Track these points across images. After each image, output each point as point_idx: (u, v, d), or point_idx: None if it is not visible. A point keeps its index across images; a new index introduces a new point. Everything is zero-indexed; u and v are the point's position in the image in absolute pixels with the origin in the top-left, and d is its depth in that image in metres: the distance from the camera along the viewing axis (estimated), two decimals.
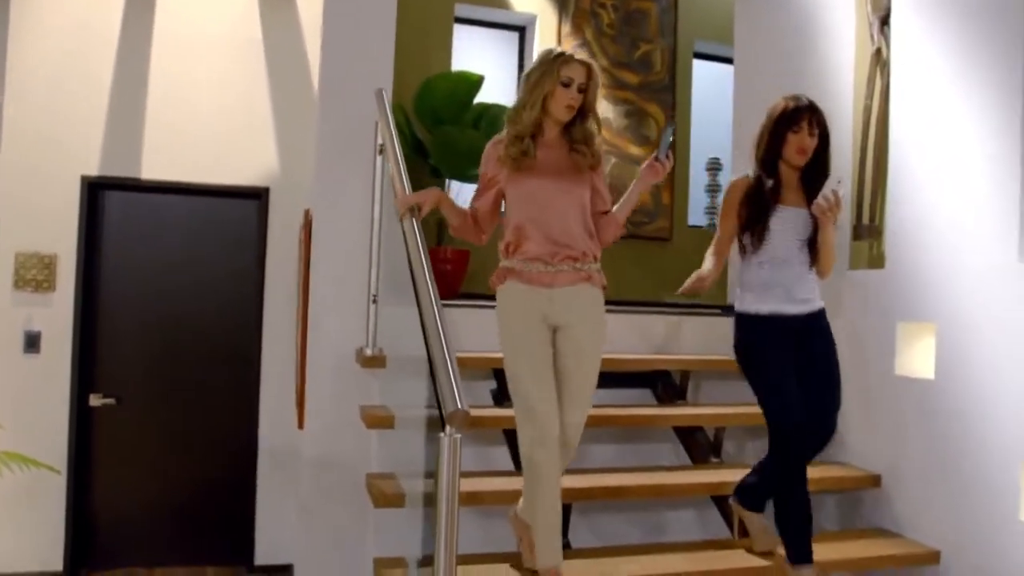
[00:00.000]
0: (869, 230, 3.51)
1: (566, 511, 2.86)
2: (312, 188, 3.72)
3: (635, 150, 5.68)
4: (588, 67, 2.55)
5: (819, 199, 2.69)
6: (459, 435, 1.80)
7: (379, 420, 3.09)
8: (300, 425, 3.76)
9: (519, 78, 6.29)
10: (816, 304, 2.82)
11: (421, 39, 5.15)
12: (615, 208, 2.64)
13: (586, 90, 2.54)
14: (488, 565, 2.69)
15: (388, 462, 3.29)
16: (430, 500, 2.33)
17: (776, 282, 2.78)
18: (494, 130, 4.62)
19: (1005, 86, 2.85)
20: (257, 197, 4.72)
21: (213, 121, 4.67)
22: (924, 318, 3.12)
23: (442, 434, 1.79)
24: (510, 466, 3.21)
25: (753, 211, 2.78)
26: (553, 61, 2.52)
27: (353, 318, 3.45)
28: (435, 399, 1.88)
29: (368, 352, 3.30)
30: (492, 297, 2.63)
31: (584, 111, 2.57)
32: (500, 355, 2.57)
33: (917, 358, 3.21)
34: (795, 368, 2.74)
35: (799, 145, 2.74)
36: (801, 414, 2.69)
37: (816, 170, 2.80)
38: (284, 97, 4.79)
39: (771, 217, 2.75)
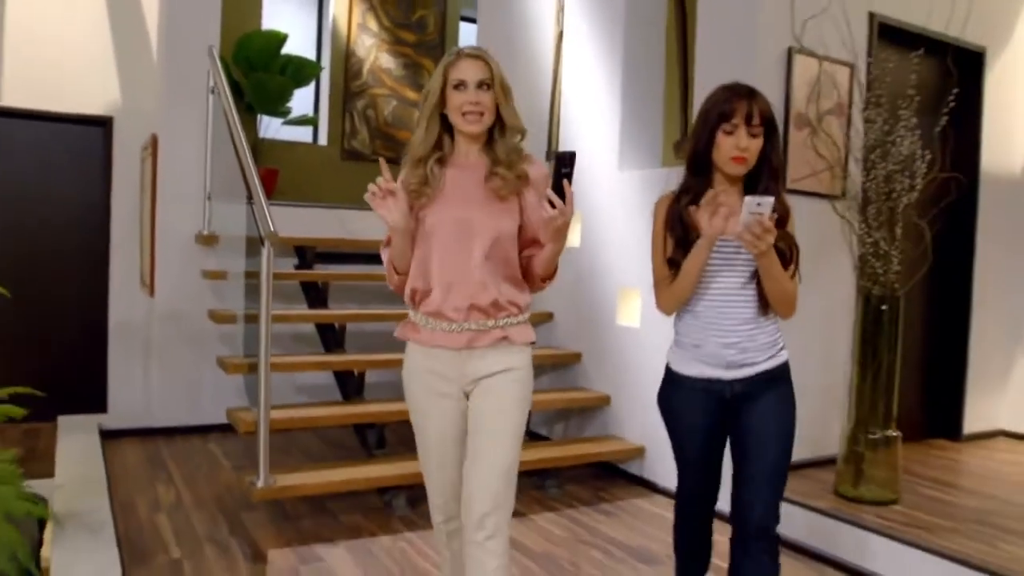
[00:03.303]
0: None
1: None
2: (157, 117, 5.00)
3: (411, 95, 7.21)
4: (483, 60, 2.06)
5: (740, 229, 1.94)
6: (272, 249, 3.30)
7: (215, 275, 4.54)
8: (152, 293, 5.07)
9: (318, 35, 7.66)
10: (762, 365, 2.12)
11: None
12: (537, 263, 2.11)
13: (490, 88, 2.05)
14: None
15: (222, 304, 4.74)
16: (251, 319, 3.81)
17: (708, 336, 2.12)
18: (298, 76, 6.08)
19: (614, 50, 4.59)
20: (103, 124, 5.86)
21: (63, 59, 5.73)
22: (633, 285, 4.39)
23: (263, 248, 3.29)
24: None
25: (676, 240, 2.11)
26: (440, 65, 2.10)
27: (193, 210, 4.83)
28: (256, 228, 3.38)
29: (204, 232, 4.71)
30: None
31: (502, 120, 2.08)
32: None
33: (629, 312, 4.45)
34: (731, 442, 2.21)
35: (734, 149, 2.04)
36: (702, 508, 2.28)
37: (765, 178, 2.09)
38: (124, 41, 5.91)
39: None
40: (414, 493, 3.64)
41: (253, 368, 3.62)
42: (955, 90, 3.71)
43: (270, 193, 5.78)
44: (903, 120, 3.40)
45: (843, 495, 3.53)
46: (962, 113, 4.48)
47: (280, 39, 5.90)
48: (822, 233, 3.71)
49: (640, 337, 4.33)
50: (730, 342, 2.11)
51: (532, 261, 2.12)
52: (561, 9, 5.12)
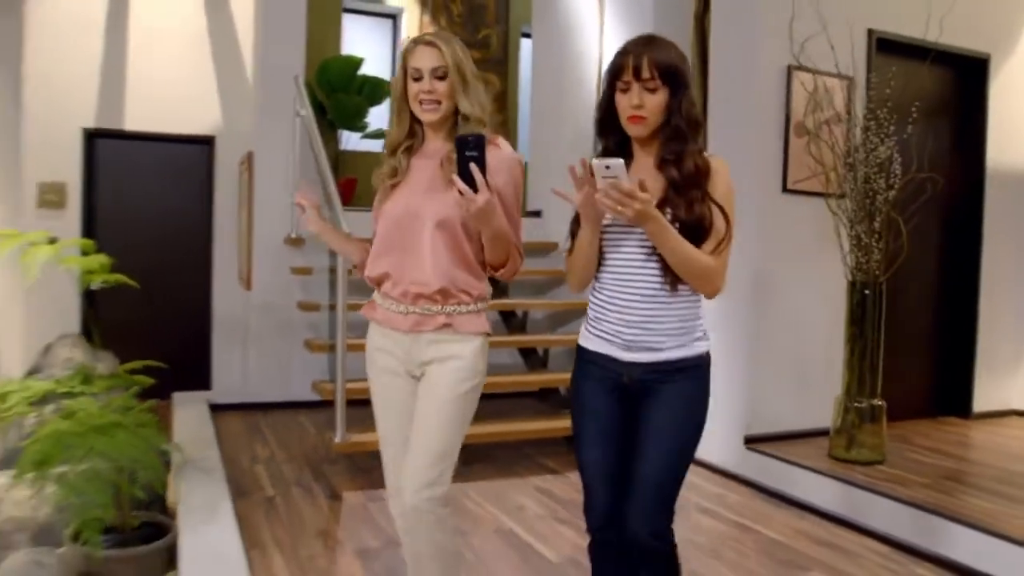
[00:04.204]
0: None
1: None
2: (253, 136, 5.81)
3: None
4: (437, 48, 2.02)
5: (598, 194, 1.75)
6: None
7: (302, 271, 5.30)
8: (248, 288, 5.88)
9: (392, 56, 8.48)
10: (667, 353, 1.91)
11: (320, 26, 7.20)
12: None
13: (446, 76, 2.01)
14: None
15: (308, 296, 5.51)
16: (332, 308, 4.53)
17: (608, 311, 1.96)
18: (372, 96, 6.84)
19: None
20: (206, 143, 6.73)
21: (173, 88, 6.62)
22: None
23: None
24: None
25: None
26: (401, 55, 2.10)
27: (283, 216, 5.61)
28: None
29: (292, 235, 5.48)
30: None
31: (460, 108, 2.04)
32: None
33: None
34: (629, 436, 1.96)
35: (628, 108, 1.87)
36: (605, 506, 2.00)
37: (665, 138, 1.90)
38: (224, 71, 6.77)
39: (605, 222, 1.92)
40: (465, 452, 4.31)
41: (333, 348, 4.34)
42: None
43: (349, 199, 6.55)
44: (883, 128, 3.89)
45: (836, 457, 4.03)
46: (968, 117, 4.93)
47: (356, 63, 6.66)
48: (820, 228, 4.22)
49: None
50: (628, 319, 1.91)
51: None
52: (601, 25, 5.72)
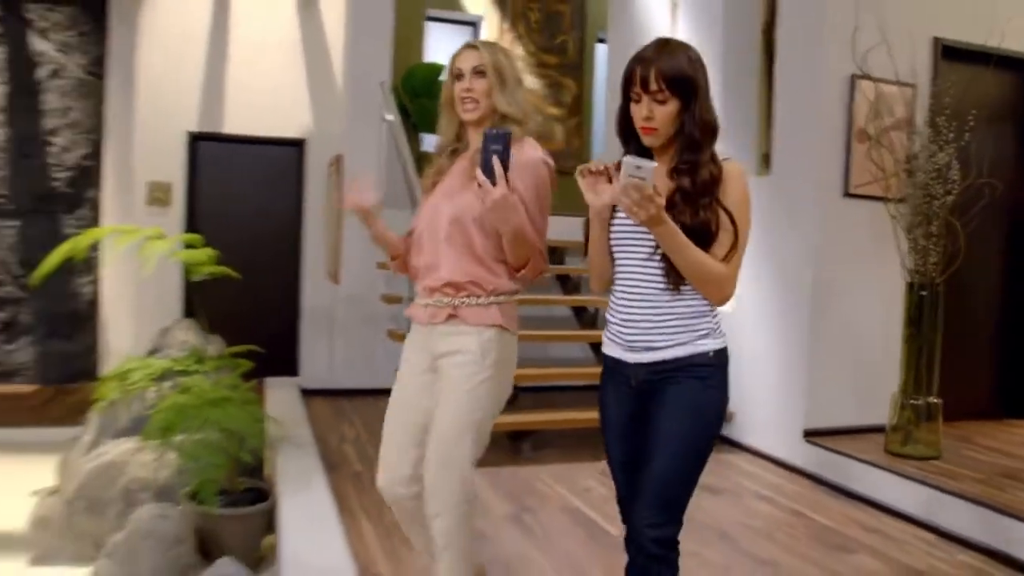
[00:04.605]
0: None
1: None
2: (342, 138, 6.22)
3: (553, 111, 8.20)
4: (478, 49, 2.14)
5: (619, 192, 1.73)
6: None
7: (386, 266, 5.67)
8: (336, 281, 6.29)
9: None
10: (671, 351, 1.91)
11: (405, 34, 7.58)
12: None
13: (484, 74, 2.10)
14: None
15: (392, 289, 5.89)
16: None
17: (620, 315, 1.97)
18: None
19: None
20: (298, 146, 7.18)
21: (268, 94, 7.09)
22: None
23: None
24: None
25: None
26: (449, 62, 2.20)
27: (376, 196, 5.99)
28: None
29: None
30: None
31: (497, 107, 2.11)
32: None
33: None
34: (643, 437, 1.96)
35: (639, 120, 1.89)
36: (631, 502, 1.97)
37: (679, 148, 1.91)
38: (315, 78, 7.21)
39: (613, 221, 1.95)
40: (538, 438, 4.62)
41: None
42: None
43: None
44: (941, 134, 4.04)
45: (892, 452, 4.19)
46: None
47: (438, 69, 7.02)
48: (880, 231, 4.37)
49: (733, 320, 5.09)
50: (630, 319, 1.94)
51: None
52: (674, 32, 5.93)
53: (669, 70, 1.85)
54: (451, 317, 2.14)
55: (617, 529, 3.62)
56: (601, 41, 8.49)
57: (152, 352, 4.35)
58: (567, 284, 6.18)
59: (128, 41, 6.98)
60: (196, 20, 6.98)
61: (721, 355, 1.96)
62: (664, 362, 1.92)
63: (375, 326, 6.03)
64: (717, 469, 4.51)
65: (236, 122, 7.04)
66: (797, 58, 4.64)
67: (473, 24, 8.18)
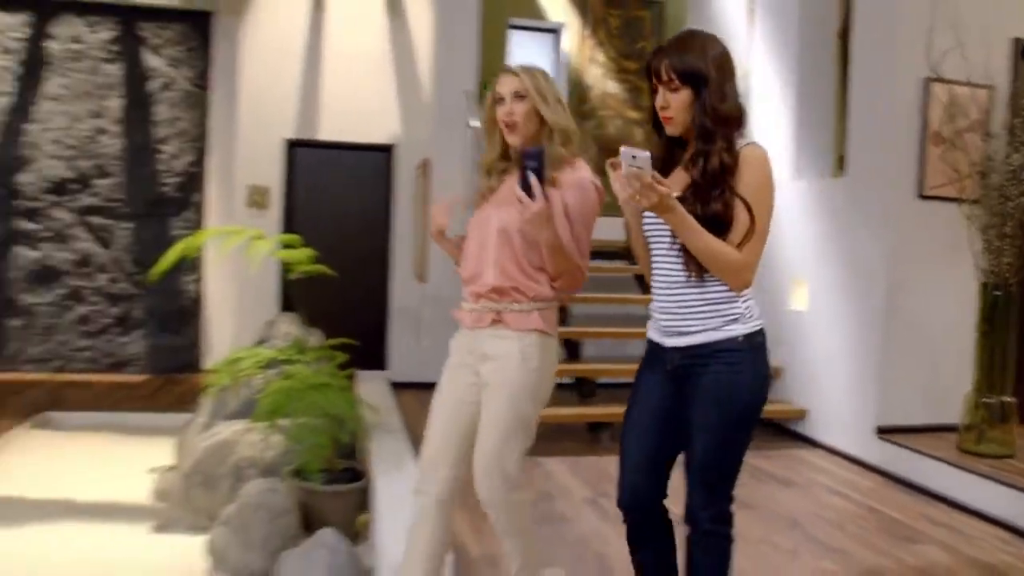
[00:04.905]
0: None
1: None
2: (429, 144, 6.54)
3: (633, 115, 8.37)
4: (516, 74, 2.21)
5: (622, 179, 1.84)
6: None
7: None
8: (423, 281, 6.60)
9: (554, 70, 9.03)
10: (702, 335, 1.98)
11: (490, 42, 7.87)
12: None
13: (524, 98, 2.17)
14: None
15: None
16: None
17: (656, 303, 2.08)
18: None
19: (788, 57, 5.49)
20: (387, 151, 7.54)
21: (359, 102, 7.47)
22: (802, 277, 5.34)
23: None
24: None
25: None
26: (491, 87, 2.27)
27: (456, 217, 6.28)
28: None
29: (463, 234, 6.14)
30: None
31: (540, 128, 2.19)
32: None
33: (799, 298, 5.30)
34: (675, 422, 2.06)
35: (658, 108, 2.00)
36: (637, 483, 2.11)
37: (695, 138, 1.97)
38: (404, 86, 7.57)
39: (644, 212, 2.04)
40: (615, 430, 4.83)
41: None
42: None
43: None
44: (1017, 136, 4.09)
45: (965, 450, 4.25)
46: None
47: None
48: (954, 232, 4.44)
49: (807, 319, 5.21)
50: (662, 304, 2.04)
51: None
52: (750, 39, 6.06)
53: (678, 61, 1.94)
54: (495, 322, 2.23)
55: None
56: None
57: (259, 343, 4.72)
58: (644, 283, 6.35)
59: (231, 56, 7.47)
60: (293, 35, 7.41)
61: (752, 338, 2.01)
62: (696, 346, 1.99)
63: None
64: (790, 464, 4.64)
65: (329, 129, 7.44)
66: (872, 61, 4.73)
67: (555, 31, 8.41)
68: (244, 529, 3.47)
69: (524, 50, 8.32)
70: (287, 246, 4.78)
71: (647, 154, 1.80)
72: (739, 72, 6.01)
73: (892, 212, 4.55)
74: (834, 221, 5.01)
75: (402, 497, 3.56)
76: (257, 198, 7.36)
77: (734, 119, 1.97)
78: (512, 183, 2.18)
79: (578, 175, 2.22)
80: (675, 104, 1.97)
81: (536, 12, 8.28)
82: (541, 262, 2.22)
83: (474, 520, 3.49)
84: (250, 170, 7.36)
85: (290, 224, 7.37)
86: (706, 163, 1.94)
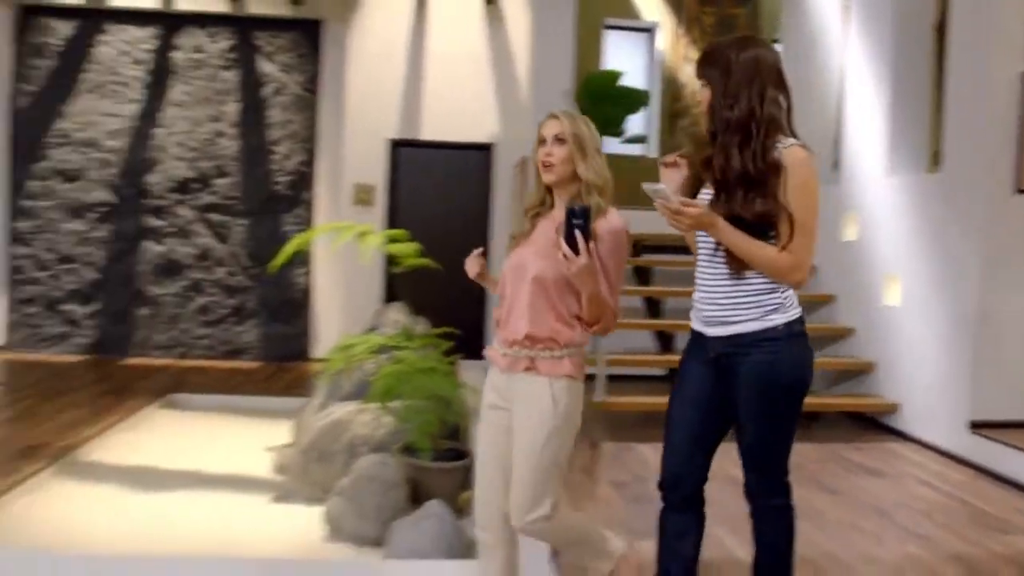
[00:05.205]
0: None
1: None
2: (527, 143, 6.77)
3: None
4: (559, 118, 2.30)
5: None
6: None
7: None
8: None
9: (648, 67, 9.21)
10: (741, 326, 2.12)
11: (585, 42, 8.08)
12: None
13: (564, 141, 2.26)
14: None
15: None
16: None
17: (699, 295, 2.23)
18: (629, 105, 7.61)
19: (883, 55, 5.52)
20: (486, 149, 7.84)
21: (460, 103, 7.79)
22: (896, 273, 5.39)
23: None
24: None
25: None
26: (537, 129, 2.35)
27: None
28: None
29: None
30: None
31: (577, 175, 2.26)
32: None
33: (893, 294, 5.47)
34: (716, 406, 2.21)
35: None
36: (679, 465, 2.24)
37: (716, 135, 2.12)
38: (503, 87, 7.84)
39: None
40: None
41: None
42: None
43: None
44: None
45: None
46: None
47: (615, 76, 7.47)
48: None
49: (901, 314, 5.25)
50: (705, 297, 2.19)
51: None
52: (846, 37, 6.10)
53: (699, 62, 2.17)
54: (528, 369, 2.29)
55: None
56: (775, 42, 8.64)
57: (370, 330, 5.05)
58: None
59: (338, 61, 7.90)
60: (396, 40, 7.78)
61: (791, 326, 2.12)
62: (737, 336, 2.11)
63: None
64: (881, 456, 4.71)
65: (431, 129, 7.78)
66: (969, 55, 4.75)
67: (649, 30, 8.56)
68: (358, 499, 3.77)
69: (619, 49, 8.50)
70: (394, 241, 5.08)
71: (662, 186, 2.00)
72: (834, 68, 6.02)
73: (988, 207, 4.57)
74: (929, 216, 5.04)
75: None
76: (363, 196, 7.76)
77: (735, 124, 2.06)
78: (546, 228, 2.30)
79: (611, 224, 2.27)
80: (701, 101, 2.16)
81: (631, 11, 8.44)
82: (575, 310, 2.29)
83: (570, 491, 3.72)
84: (356, 169, 7.77)
85: (393, 221, 7.73)
86: (724, 163, 2.08)
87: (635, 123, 8.19)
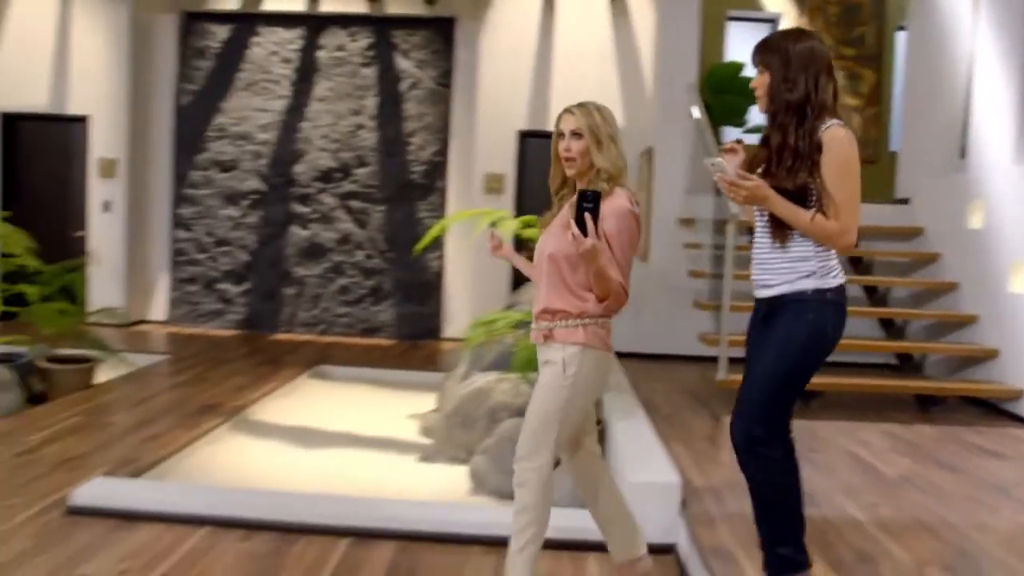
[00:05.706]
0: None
1: None
2: (650, 134, 7.07)
3: (851, 101, 8.47)
4: (576, 114, 2.49)
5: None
6: (735, 228, 5.05)
7: (692, 246, 6.44)
8: (644, 259, 7.16)
9: None
10: (776, 288, 2.41)
11: (709, 34, 8.26)
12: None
13: (582, 136, 2.44)
14: None
15: (695, 267, 6.64)
16: (716, 277, 5.60)
17: (754, 260, 2.51)
18: (752, 96, 7.75)
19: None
20: None
21: (586, 96, 8.09)
22: (1022, 260, 5.36)
23: (727, 227, 5.05)
24: None
25: None
26: (555, 122, 2.58)
27: (678, 200, 6.79)
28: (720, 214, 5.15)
29: (683, 216, 6.64)
30: None
31: (593, 163, 2.46)
32: None
33: (1020, 282, 5.45)
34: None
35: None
36: (737, 422, 2.48)
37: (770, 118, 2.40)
38: (625, 79, 8.13)
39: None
40: (824, 399, 5.19)
41: (718, 308, 5.40)
42: None
43: None
44: None
45: None
46: None
47: (738, 67, 7.63)
48: None
49: (1017, 301, 5.29)
50: (756, 264, 2.48)
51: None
52: (975, 23, 6.11)
53: (757, 49, 2.42)
54: (546, 338, 2.52)
55: (891, 470, 4.13)
56: (901, 29, 8.60)
57: (507, 307, 5.47)
58: (858, 266, 6.58)
59: (470, 56, 8.35)
60: (525, 37, 8.17)
61: (822, 293, 2.37)
62: (775, 297, 2.41)
63: (679, 300, 6.80)
64: (1003, 440, 4.80)
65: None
66: None
67: (772, 21, 8.65)
68: (500, 458, 4.18)
69: (742, 41, 8.64)
70: (529, 226, 5.46)
71: (720, 160, 2.27)
72: (962, 55, 6.05)
73: None
74: None
75: (637, 439, 4.15)
76: (493, 184, 8.20)
77: (793, 106, 2.32)
78: (565, 212, 2.54)
79: (615, 203, 2.44)
80: (758, 85, 2.41)
81: (753, 3, 8.56)
82: (587, 283, 2.47)
83: (696, 456, 4.03)
84: (487, 159, 8.22)
85: (521, 208, 8.14)
86: (777, 142, 2.35)
87: (755, 113, 8.32)
